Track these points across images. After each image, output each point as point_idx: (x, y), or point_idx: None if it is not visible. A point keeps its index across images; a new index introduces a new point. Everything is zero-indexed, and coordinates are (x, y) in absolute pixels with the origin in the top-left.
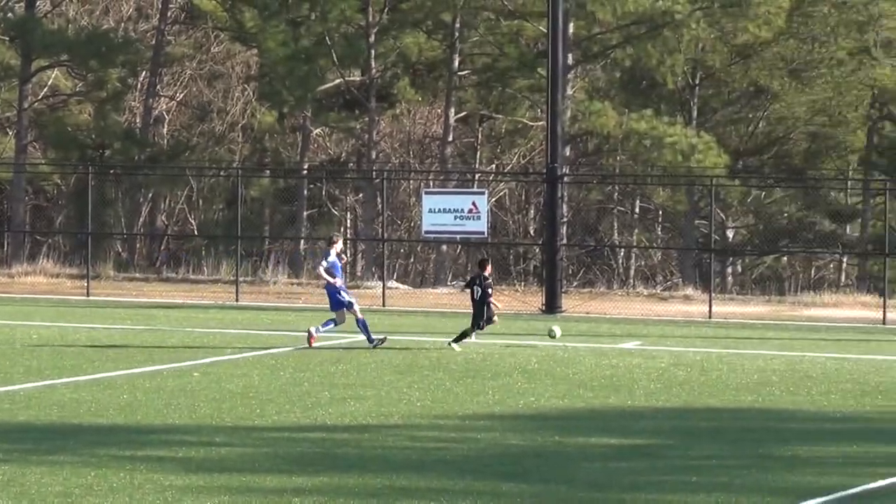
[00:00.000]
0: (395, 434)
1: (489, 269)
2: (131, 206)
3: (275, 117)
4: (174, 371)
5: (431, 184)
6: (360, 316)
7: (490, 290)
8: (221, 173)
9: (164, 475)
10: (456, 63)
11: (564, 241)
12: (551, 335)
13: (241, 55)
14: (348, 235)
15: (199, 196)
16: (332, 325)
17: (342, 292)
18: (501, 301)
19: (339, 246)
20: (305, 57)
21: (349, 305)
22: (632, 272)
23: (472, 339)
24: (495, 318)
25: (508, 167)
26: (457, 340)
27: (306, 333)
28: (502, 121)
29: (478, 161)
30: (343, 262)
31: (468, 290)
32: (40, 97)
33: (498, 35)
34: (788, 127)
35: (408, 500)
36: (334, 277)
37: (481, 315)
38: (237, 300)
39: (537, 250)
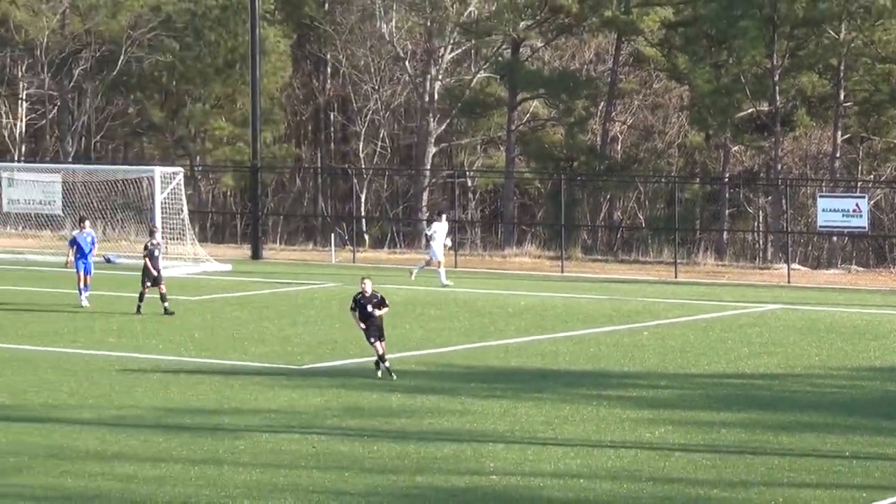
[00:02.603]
0: (799, 381)
1: None
2: (594, 204)
3: (702, 138)
4: (628, 331)
5: (824, 189)
6: None
7: None
8: (662, 180)
9: (622, 410)
10: (841, 96)
11: None
12: None
13: (676, 90)
14: (759, 229)
15: (645, 197)
16: None
17: None
18: (880, 280)
19: None
20: (725, 91)
21: None
22: None
23: None
24: None
25: (884, 177)
26: None
27: None
28: (878, 141)
29: (859, 172)
30: None
31: None
32: (524, 121)
33: (874, 75)
34: None
35: (810, 431)
36: None
37: None
38: (675, 277)
39: None
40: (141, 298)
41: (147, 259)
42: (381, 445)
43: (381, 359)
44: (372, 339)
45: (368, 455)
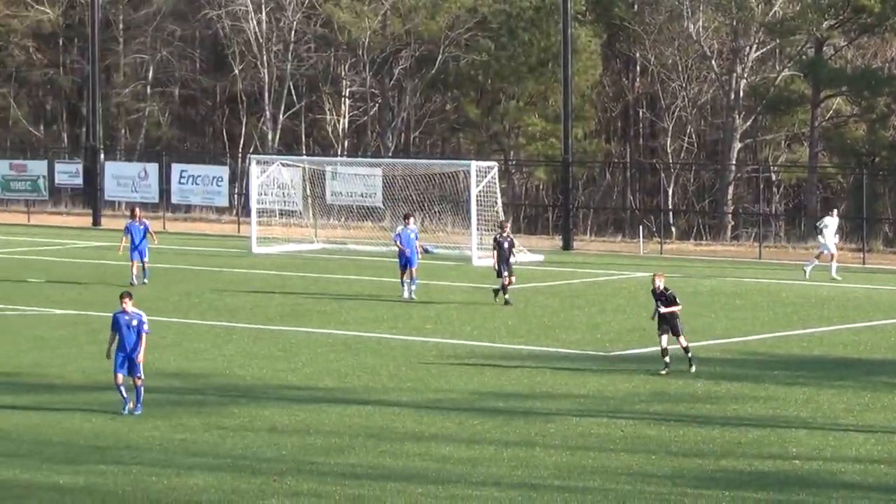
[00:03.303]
0: None
1: None
2: (894, 198)
3: None
4: None
5: None
6: None
7: None
8: None
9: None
10: None
11: None
12: None
13: None
14: None
15: None
16: None
17: None
18: None
19: None
20: None
21: None
22: None
23: None
24: None
25: None
26: None
27: None
28: None
29: None
30: None
31: None
32: (826, 118)
33: None
34: None
35: None
36: None
37: None
38: None
39: None
40: (503, 289)
41: (495, 251)
42: (686, 430)
43: (685, 350)
44: (660, 333)
45: (674, 439)
